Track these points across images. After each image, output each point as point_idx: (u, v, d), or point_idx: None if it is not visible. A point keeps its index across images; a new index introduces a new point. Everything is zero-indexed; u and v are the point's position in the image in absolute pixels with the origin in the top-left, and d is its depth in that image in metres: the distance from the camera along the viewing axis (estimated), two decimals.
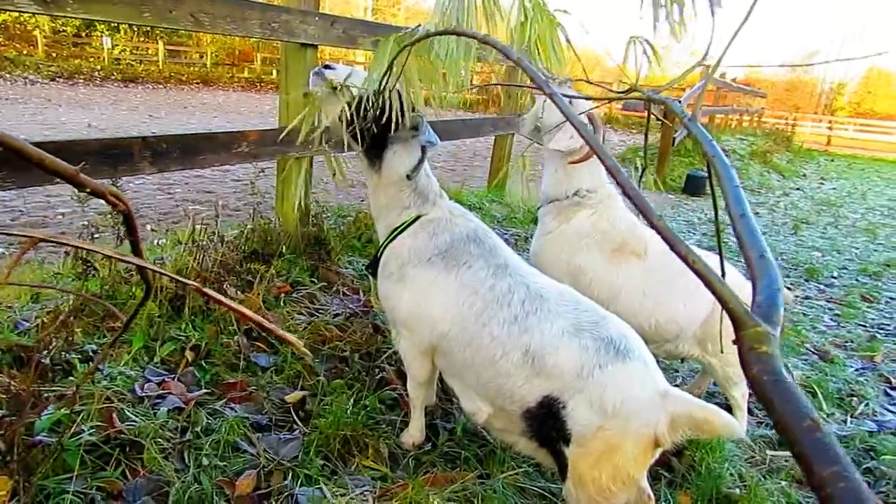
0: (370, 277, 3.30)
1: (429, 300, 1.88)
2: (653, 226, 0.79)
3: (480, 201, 5.60)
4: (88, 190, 0.49)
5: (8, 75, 16.55)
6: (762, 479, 2.24)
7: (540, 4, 1.39)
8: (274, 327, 0.54)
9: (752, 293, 0.73)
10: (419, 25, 1.38)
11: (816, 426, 0.53)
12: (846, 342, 3.72)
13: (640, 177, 1.57)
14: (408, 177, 1.96)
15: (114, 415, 1.86)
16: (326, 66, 1.89)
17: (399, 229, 1.99)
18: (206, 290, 0.51)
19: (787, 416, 0.55)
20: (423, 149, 1.97)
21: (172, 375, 2.19)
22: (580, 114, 2.48)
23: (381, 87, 1.46)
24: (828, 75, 43.60)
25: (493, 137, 6.07)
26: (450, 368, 1.93)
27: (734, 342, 0.68)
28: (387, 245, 2.00)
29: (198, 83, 21.62)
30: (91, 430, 1.77)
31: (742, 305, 0.67)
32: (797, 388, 0.58)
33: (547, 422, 1.68)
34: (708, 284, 0.71)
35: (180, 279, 0.53)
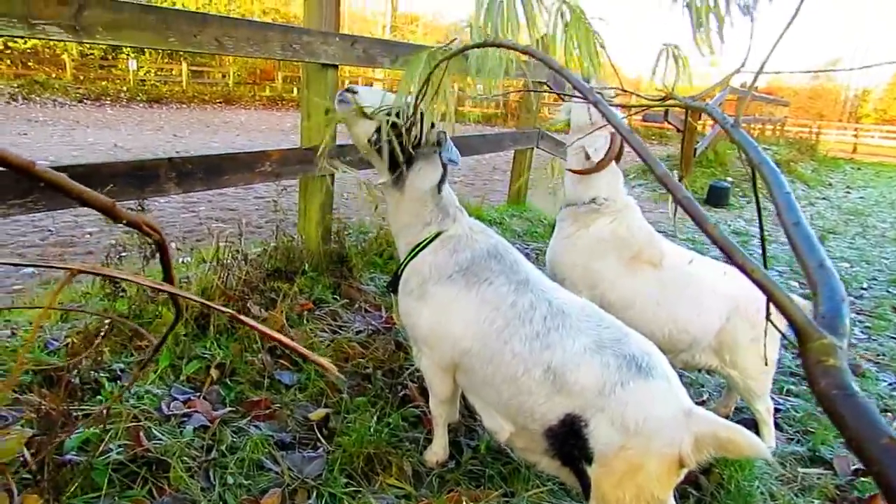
0: (391, 294, 3.31)
1: (449, 317, 1.88)
2: (709, 234, 0.77)
3: (501, 216, 5.60)
4: (125, 221, 0.51)
5: (38, 98, 17.01)
6: (794, 497, 2.20)
7: (577, 13, 1.39)
8: (310, 353, 0.55)
9: (814, 304, 0.70)
10: (455, 39, 1.38)
11: (895, 444, 0.51)
12: (878, 355, 3.63)
13: (676, 207, 1.55)
14: (433, 193, 1.97)
15: (141, 433, 1.88)
16: (349, 90, 1.92)
17: (420, 246, 2.00)
18: (243, 317, 0.52)
19: (862, 433, 0.52)
20: (445, 165, 1.99)
21: (198, 394, 2.22)
22: (597, 129, 2.49)
23: (417, 104, 1.47)
24: (852, 82, 43.01)
25: (513, 152, 6.08)
26: (471, 386, 1.92)
27: (799, 355, 0.65)
28: (408, 262, 2.01)
29: (220, 102, 22.00)
30: (119, 449, 1.79)
31: (807, 317, 0.64)
32: (870, 404, 0.55)
33: (569, 440, 1.66)
34: (769, 295, 0.68)
35: (216, 307, 0.54)
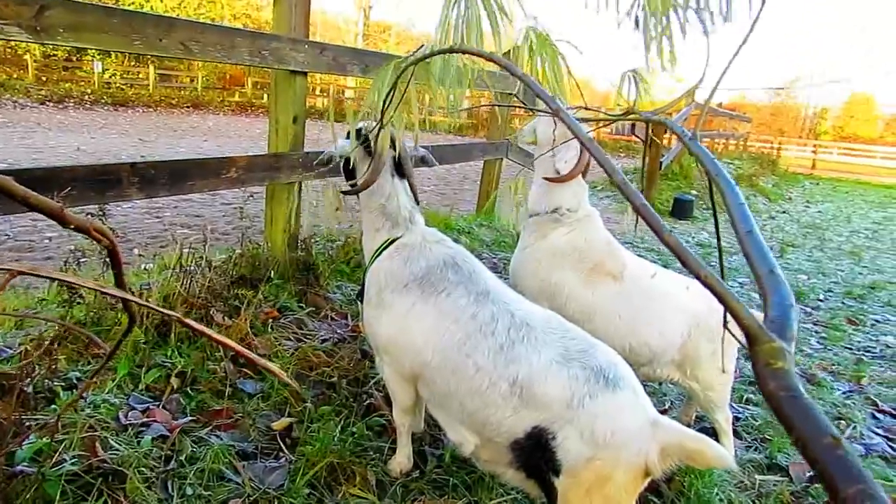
0: (359, 302, 3.30)
1: (408, 328, 1.88)
2: (664, 241, 0.78)
3: (469, 225, 5.62)
4: (73, 226, 0.50)
5: None
6: None
7: (543, 36, 1.41)
8: (255, 356, 0.55)
9: (764, 309, 0.72)
10: (422, 46, 1.39)
11: (838, 443, 0.52)
12: (833, 365, 3.74)
13: (637, 217, 1.59)
14: (380, 201, 2.08)
15: (97, 443, 1.83)
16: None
17: (375, 253, 2.02)
18: (188, 320, 0.51)
19: (807, 433, 0.54)
20: (402, 174, 2.08)
21: (157, 403, 2.17)
22: (568, 141, 2.52)
23: (384, 110, 1.48)
24: (811, 100, 44.42)
25: (483, 162, 6.12)
26: (434, 399, 1.91)
27: (748, 358, 0.67)
28: (366, 269, 2.05)
29: (188, 107, 21.68)
30: (73, 460, 1.74)
31: (756, 321, 0.66)
32: (815, 405, 0.57)
33: (535, 453, 1.66)
34: (721, 299, 0.70)
35: (162, 311, 0.54)
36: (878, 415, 3.15)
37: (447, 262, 1.93)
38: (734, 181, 0.90)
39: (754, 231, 0.82)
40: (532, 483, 1.74)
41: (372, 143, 1.95)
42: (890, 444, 2.84)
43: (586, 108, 1.44)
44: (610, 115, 1.38)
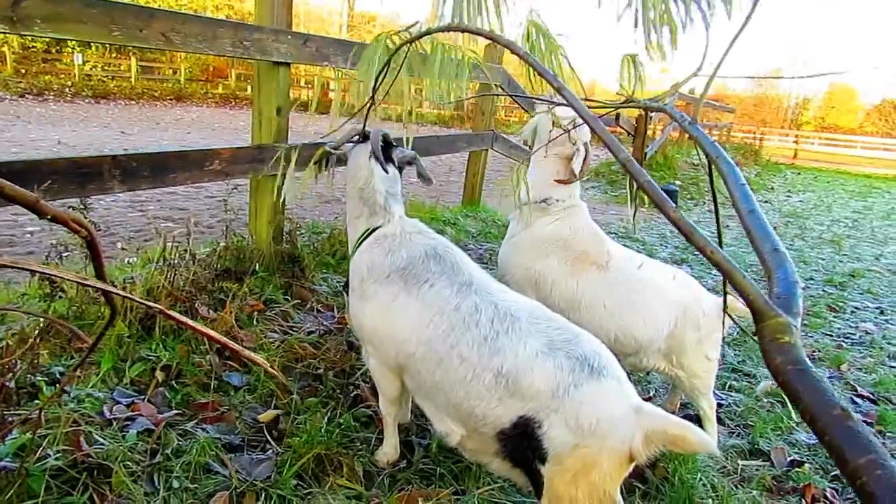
0: (344, 294, 3.30)
1: (391, 319, 1.89)
2: (669, 217, 0.79)
3: (455, 217, 5.63)
4: (50, 217, 0.49)
5: None
6: (734, 488, 2.28)
7: (542, 28, 1.41)
8: (232, 343, 0.55)
9: (769, 285, 0.72)
10: (416, 23, 1.38)
11: (847, 415, 0.52)
12: (814, 352, 3.80)
13: (634, 198, 1.60)
14: (360, 190, 2.11)
15: (81, 438, 1.82)
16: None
17: (357, 243, 2.04)
18: (171, 312, 0.51)
19: (815, 405, 0.54)
20: (388, 165, 2.09)
21: (142, 397, 2.16)
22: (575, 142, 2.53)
23: (377, 87, 1.47)
24: (794, 91, 44.79)
25: (468, 153, 6.12)
26: (419, 390, 1.92)
27: (754, 334, 0.67)
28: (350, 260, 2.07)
29: (171, 99, 21.41)
30: (57, 455, 1.73)
31: (763, 296, 0.66)
32: (823, 378, 0.57)
33: (521, 442, 1.67)
34: (727, 275, 0.70)
35: (143, 302, 0.54)
36: (857, 399, 3.21)
37: (429, 253, 1.94)
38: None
39: (756, 210, 0.82)
40: (518, 472, 1.76)
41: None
42: (868, 427, 2.89)
43: (586, 99, 1.45)
44: (609, 103, 1.39)
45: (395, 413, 2.10)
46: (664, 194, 0.78)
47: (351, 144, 2.16)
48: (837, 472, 2.50)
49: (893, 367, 3.72)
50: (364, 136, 2.12)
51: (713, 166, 0.94)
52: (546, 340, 1.70)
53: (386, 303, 1.90)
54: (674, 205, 0.78)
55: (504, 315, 1.77)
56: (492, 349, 1.71)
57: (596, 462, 1.57)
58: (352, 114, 1.85)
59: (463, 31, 1.25)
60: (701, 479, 2.25)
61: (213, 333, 0.56)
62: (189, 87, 23.73)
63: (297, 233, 3.61)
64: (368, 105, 1.67)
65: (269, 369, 0.61)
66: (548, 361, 1.65)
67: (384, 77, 1.42)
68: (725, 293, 1.28)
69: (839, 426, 0.52)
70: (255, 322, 2.79)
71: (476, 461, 1.97)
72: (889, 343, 4.11)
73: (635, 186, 1.55)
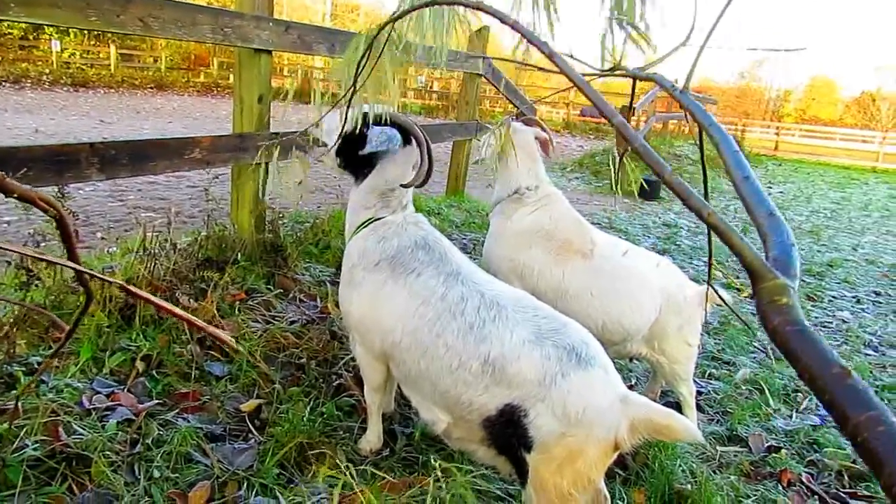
0: (328, 284, 3.29)
1: (378, 307, 1.89)
2: (665, 181, 0.78)
3: (439, 206, 5.62)
4: (16, 195, 0.48)
5: None
6: (712, 474, 2.31)
7: None
8: (202, 322, 0.54)
9: (765, 250, 0.72)
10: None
11: (847, 373, 0.52)
12: None
13: (620, 160, 1.59)
14: (384, 187, 2.05)
15: (59, 428, 1.80)
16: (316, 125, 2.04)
17: (355, 231, 2.02)
18: (131, 287, 0.51)
19: (814, 364, 0.54)
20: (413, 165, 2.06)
21: (122, 386, 2.14)
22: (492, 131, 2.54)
23: (356, 76, 1.44)
24: (775, 83, 45.20)
25: (452, 143, 6.10)
26: (406, 379, 1.92)
27: (750, 297, 0.67)
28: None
29: (152, 88, 21.07)
30: (35, 445, 1.72)
31: (761, 259, 0.66)
32: (821, 337, 0.56)
33: (507, 430, 1.68)
34: (724, 237, 0.69)
35: (102, 277, 0.53)
36: None
37: (418, 243, 1.94)
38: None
39: (751, 177, 0.82)
40: (503, 460, 1.78)
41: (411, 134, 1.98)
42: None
43: (572, 58, 1.43)
44: (596, 70, 1.37)
45: (379, 401, 2.10)
46: (659, 157, 0.78)
47: (384, 137, 1.99)
48: (813, 457, 2.56)
49: (869, 354, 3.79)
50: (405, 135, 2.02)
51: (704, 133, 0.94)
52: (533, 329, 1.71)
53: (373, 291, 1.90)
54: (668, 167, 0.77)
55: (491, 304, 1.77)
56: (478, 337, 1.72)
57: (582, 451, 1.59)
58: (333, 104, 1.81)
59: (449, 3, 1.23)
60: (680, 465, 2.28)
61: (172, 307, 0.55)
62: (170, 76, 23.38)
63: (280, 222, 3.59)
64: (351, 92, 1.65)
65: (230, 341, 0.60)
66: (535, 350, 1.66)
67: (367, 61, 1.39)
68: (710, 272, 1.28)
69: (839, 384, 0.52)
70: (237, 312, 2.78)
71: (462, 449, 1.98)
72: (864, 331, 4.19)
73: (619, 158, 1.53)
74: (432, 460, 2.10)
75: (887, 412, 0.49)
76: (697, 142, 1.07)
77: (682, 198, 0.74)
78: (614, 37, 1.32)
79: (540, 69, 1.04)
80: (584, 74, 1.38)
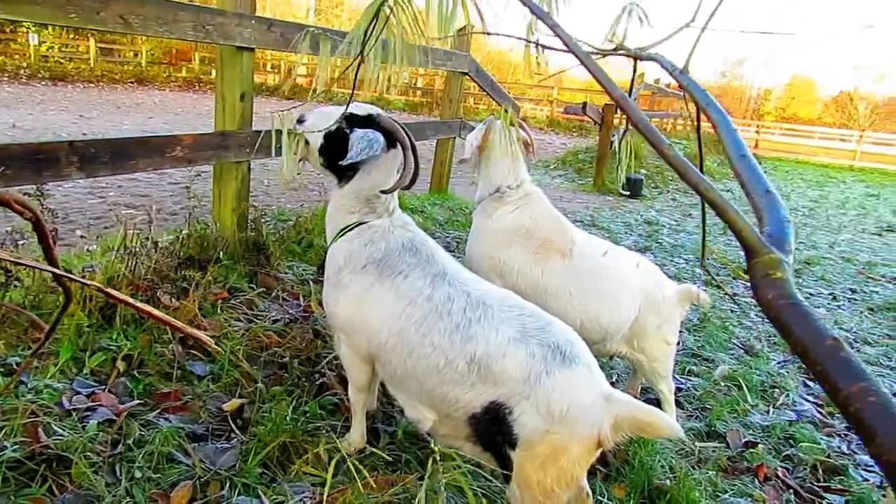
0: (311, 282, 3.28)
1: (365, 309, 1.89)
2: (663, 154, 0.79)
3: (422, 204, 5.63)
4: None
5: None
6: (691, 469, 2.35)
7: None
8: (180, 324, 0.55)
9: (760, 225, 0.73)
10: None
11: (839, 345, 0.52)
12: (770, 336, 3.92)
13: (622, 137, 1.60)
14: (369, 192, 2.01)
15: (39, 429, 1.79)
16: (300, 121, 1.99)
17: (340, 233, 2.01)
18: (109, 289, 0.51)
19: (807, 337, 0.54)
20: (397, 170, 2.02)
21: (103, 387, 2.13)
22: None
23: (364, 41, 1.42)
24: (756, 81, 45.70)
25: (436, 141, 6.11)
26: (392, 379, 1.93)
27: (745, 272, 0.67)
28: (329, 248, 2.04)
29: (132, 82, 20.81)
30: (14, 447, 1.70)
31: (756, 233, 0.66)
32: (813, 311, 0.57)
33: (492, 427, 1.70)
34: (720, 212, 0.70)
35: (80, 280, 0.53)
36: (809, 383, 3.33)
37: (405, 246, 1.94)
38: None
39: (747, 155, 0.84)
40: (488, 456, 1.80)
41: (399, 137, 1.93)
42: (819, 410, 3.02)
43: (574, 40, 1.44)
44: (599, 49, 1.38)
45: (363, 401, 2.11)
46: (657, 132, 0.79)
47: (365, 143, 1.89)
48: (788, 452, 2.61)
49: None
50: (389, 138, 1.95)
51: (702, 113, 0.95)
52: (518, 327, 1.73)
53: (360, 293, 1.90)
54: (667, 141, 0.78)
55: (476, 303, 1.79)
56: (464, 336, 1.73)
57: (566, 448, 1.61)
58: (346, 66, 1.76)
59: None
60: (660, 461, 2.31)
61: (145, 307, 0.56)
62: (151, 70, 23.09)
63: (263, 220, 3.57)
64: (358, 62, 1.62)
65: (205, 339, 0.60)
66: (520, 349, 1.68)
67: (372, 31, 1.36)
68: (703, 252, 1.30)
69: (831, 356, 0.52)
70: (219, 311, 2.77)
71: (447, 445, 1.99)
72: (840, 328, 4.27)
73: (620, 136, 1.53)
74: (415, 459, 2.13)
75: (878, 383, 0.50)
76: (694, 121, 1.09)
77: (679, 172, 0.75)
78: (628, 20, 1.33)
79: (545, 47, 1.04)
80: (589, 52, 1.39)
